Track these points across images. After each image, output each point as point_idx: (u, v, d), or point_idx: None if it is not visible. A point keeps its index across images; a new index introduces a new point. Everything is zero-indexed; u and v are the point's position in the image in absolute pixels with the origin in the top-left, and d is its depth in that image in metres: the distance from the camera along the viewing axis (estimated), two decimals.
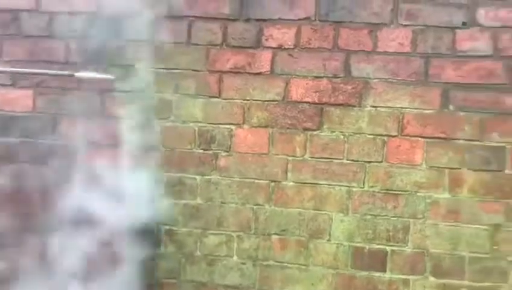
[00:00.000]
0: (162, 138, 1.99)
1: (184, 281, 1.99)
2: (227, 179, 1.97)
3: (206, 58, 1.98)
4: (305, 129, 1.94)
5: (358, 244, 1.90)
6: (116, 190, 1.92)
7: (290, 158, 1.94)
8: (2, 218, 1.98)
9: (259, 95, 1.95)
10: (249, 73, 1.96)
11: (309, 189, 1.93)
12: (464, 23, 1.85)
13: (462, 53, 1.85)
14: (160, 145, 1.99)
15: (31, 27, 2.06)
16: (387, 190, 1.90)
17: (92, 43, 1.99)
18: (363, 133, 1.91)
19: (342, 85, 1.92)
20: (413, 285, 1.87)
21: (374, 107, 1.90)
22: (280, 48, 1.94)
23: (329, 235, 1.92)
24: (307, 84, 1.93)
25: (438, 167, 1.87)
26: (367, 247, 1.90)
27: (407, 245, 1.88)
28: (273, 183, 1.95)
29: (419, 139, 1.88)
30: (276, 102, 1.95)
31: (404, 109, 1.89)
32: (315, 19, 1.92)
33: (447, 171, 1.87)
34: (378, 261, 1.89)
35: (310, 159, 1.93)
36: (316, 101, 1.93)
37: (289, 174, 1.94)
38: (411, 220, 1.88)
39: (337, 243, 1.91)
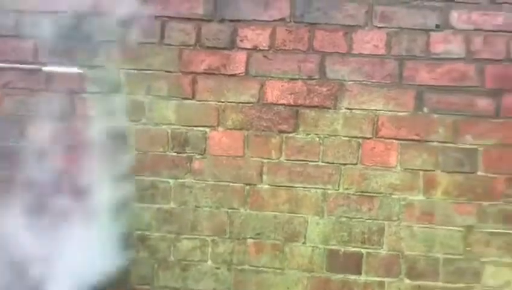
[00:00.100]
0: (134, 141, 1.94)
1: (157, 287, 1.95)
2: (201, 183, 1.93)
3: (180, 59, 1.94)
4: (281, 131, 1.92)
5: (333, 247, 1.90)
6: (85, 195, 1.86)
7: (265, 161, 1.92)
8: None
9: (234, 96, 1.92)
10: (223, 74, 1.93)
11: (284, 192, 1.91)
12: (437, 26, 1.86)
13: (436, 55, 1.86)
14: (132, 148, 1.94)
15: None
16: (362, 192, 1.90)
17: (61, 44, 1.93)
18: (338, 135, 1.90)
19: (317, 87, 1.91)
20: (389, 287, 1.87)
21: (349, 109, 1.90)
22: (255, 49, 1.92)
23: (305, 238, 1.90)
24: (282, 86, 1.91)
25: (412, 169, 1.88)
26: (342, 250, 1.89)
27: (382, 247, 1.88)
28: (248, 187, 1.92)
29: (394, 141, 1.89)
30: (251, 104, 1.92)
31: (378, 111, 1.89)
32: (290, 21, 1.90)
33: (421, 173, 1.88)
34: (354, 263, 1.89)
35: (285, 161, 1.92)
36: (291, 103, 1.91)
37: (264, 177, 1.92)
38: (386, 222, 1.89)
39: (313, 246, 1.90)
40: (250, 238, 1.92)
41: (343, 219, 1.90)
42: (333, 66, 1.90)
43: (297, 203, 1.91)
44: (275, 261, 1.91)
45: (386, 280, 1.87)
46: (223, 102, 1.93)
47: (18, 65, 1.97)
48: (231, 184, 1.92)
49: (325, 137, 1.91)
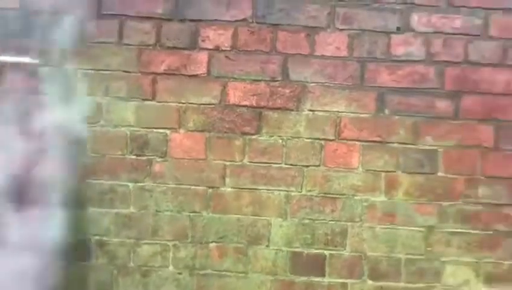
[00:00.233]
0: (92, 144, 1.88)
1: None
2: (162, 186, 1.88)
3: (139, 59, 1.89)
4: (244, 133, 1.89)
5: (296, 250, 1.88)
6: (38, 199, 1.79)
7: (228, 163, 1.89)
8: None
9: (196, 98, 1.88)
10: (184, 75, 1.88)
11: (248, 194, 1.89)
12: (398, 28, 1.88)
13: (397, 58, 1.88)
14: (89, 151, 1.87)
15: None
16: (325, 193, 1.89)
17: (14, 43, 1.85)
18: (301, 137, 1.89)
19: (280, 89, 1.89)
20: (352, 289, 1.87)
21: (311, 111, 1.89)
22: (217, 49, 1.88)
23: (268, 241, 1.88)
24: (244, 87, 1.89)
25: (374, 171, 1.89)
26: (305, 252, 1.88)
27: (345, 249, 1.88)
28: (210, 190, 1.89)
29: (356, 142, 1.89)
30: (213, 105, 1.89)
31: (341, 113, 1.89)
32: (252, 21, 1.88)
33: (382, 174, 1.89)
34: (317, 265, 1.88)
35: (248, 164, 1.89)
36: (254, 104, 1.89)
37: (227, 180, 1.89)
38: (349, 223, 1.89)
39: (276, 249, 1.88)
40: (213, 242, 1.88)
41: (306, 221, 1.89)
42: (296, 67, 1.89)
43: (261, 206, 1.89)
44: (238, 264, 1.88)
45: (349, 281, 1.88)
46: (184, 103, 1.88)
47: None
48: (193, 187, 1.88)
49: (288, 139, 1.89)
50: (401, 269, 1.87)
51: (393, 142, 1.89)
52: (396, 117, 1.88)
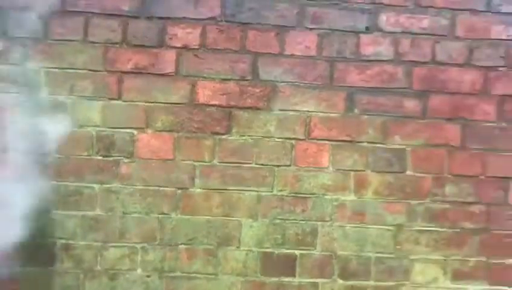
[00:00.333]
0: (56, 144, 1.82)
1: None
2: (129, 188, 1.84)
3: (105, 57, 1.84)
4: (213, 133, 1.86)
5: (267, 250, 1.87)
6: (2, 203, 1.72)
7: (198, 164, 1.86)
8: None
9: (164, 97, 1.85)
10: (151, 74, 1.84)
11: (218, 195, 1.87)
12: (367, 28, 1.89)
13: (366, 57, 1.89)
14: (54, 152, 1.81)
15: None
16: (295, 193, 1.88)
17: None
18: (271, 137, 1.88)
19: (250, 88, 1.88)
20: (322, 288, 1.87)
21: (282, 110, 1.88)
22: (185, 48, 1.85)
23: (239, 242, 1.87)
24: (214, 86, 1.86)
25: (344, 170, 1.89)
26: (276, 252, 1.87)
27: (315, 248, 1.88)
28: (179, 191, 1.85)
29: (326, 142, 1.89)
30: (182, 105, 1.86)
31: (310, 113, 1.88)
32: (221, 20, 1.86)
33: (352, 173, 1.89)
34: (288, 266, 1.87)
35: (218, 164, 1.87)
36: (224, 104, 1.87)
37: (197, 181, 1.86)
38: (319, 223, 1.89)
39: (247, 250, 1.87)
40: (182, 244, 1.85)
41: (277, 221, 1.88)
42: (266, 66, 1.87)
43: (231, 207, 1.87)
44: (208, 266, 1.86)
45: (320, 280, 1.88)
46: (151, 103, 1.85)
47: None
48: (161, 188, 1.85)
49: (259, 139, 1.88)
50: (370, 268, 1.88)
51: (362, 142, 1.89)
52: (366, 116, 1.89)
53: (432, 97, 1.89)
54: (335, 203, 1.89)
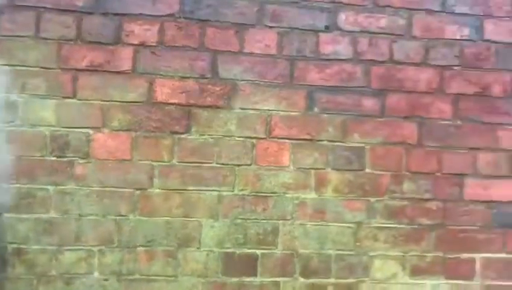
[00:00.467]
0: (7, 145, 1.74)
1: None
2: (85, 189, 1.78)
3: (58, 54, 1.77)
4: (172, 132, 1.83)
5: (228, 250, 1.85)
6: None
7: (156, 164, 1.82)
8: None
9: (120, 95, 1.80)
10: (107, 71, 1.79)
11: (177, 196, 1.83)
12: (326, 27, 1.89)
13: (325, 56, 1.90)
14: (5, 152, 1.74)
15: None
16: (256, 192, 1.87)
17: None
18: (232, 136, 1.86)
19: (209, 86, 1.85)
20: (284, 287, 1.87)
21: (242, 109, 1.87)
22: (142, 45, 1.81)
23: (199, 242, 1.84)
24: (172, 84, 1.83)
25: (305, 168, 1.89)
26: (237, 252, 1.86)
27: (277, 247, 1.88)
28: (138, 192, 1.81)
29: (286, 141, 1.89)
30: (140, 103, 1.81)
31: (271, 111, 1.88)
32: (179, 16, 1.83)
33: (312, 171, 1.90)
34: (249, 265, 1.86)
35: (177, 164, 1.83)
36: (183, 102, 1.84)
37: (155, 181, 1.82)
38: (280, 221, 1.88)
39: (208, 250, 1.84)
40: (141, 246, 1.81)
41: (238, 221, 1.86)
42: (225, 64, 1.86)
43: (191, 207, 1.84)
44: (167, 268, 1.82)
45: (281, 279, 1.87)
46: (107, 101, 1.79)
47: None
48: (119, 190, 1.80)
49: (219, 138, 1.86)
50: (331, 265, 1.89)
51: (322, 140, 1.90)
52: (325, 115, 1.90)
53: (389, 96, 1.92)
54: (296, 201, 1.89)
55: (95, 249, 1.79)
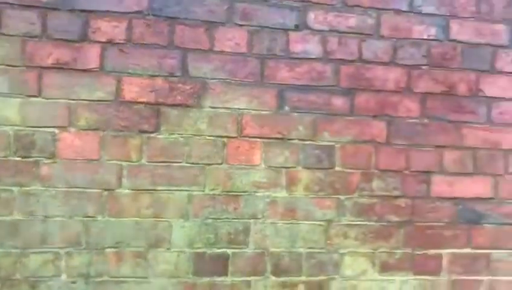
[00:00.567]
0: None
1: None
2: (51, 190, 1.74)
3: (23, 51, 1.72)
4: (141, 131, 1.80)
5: (199, 250, 1.84)
6: None
7: (125, 163, 1.79)
8: None
9: (87, 94, 1.76)
10: (74, 69, 1.75)
11: (147, 196, 1.81)
12: (296, 26, 1.90)
13: (295, 55, 1.90)
14: None
15: None
16: (227, 191, 1.87)
17: None
18: (202, 135, 1.85)
19: (179, 85, 1.83)
20: (255, 286, 1.87)
21: (212, 108, 1.85)
22: (110, 42, 1.77)
23: (170, 243, 1.82)
24: (141, 83, 1.80)
25: (276, 167, 1.90)
26: (208, 252, 1.84)
27: (248, 247, 1.87)
28: (106, 192, 1.78)
29: (258, 139, 1.89)
30: (108, 102, 1.78)
31: (242, 110, 1.87)
32: (148, 13, 1.80)
33: (283, 170, 1.90)
34: (220, 265, 1.85)
35: (147, 163, 1.81)
36: (152, 101, 1.81)
37: (124, 181, 1.79)
38: (251, 220, 1.88)
39: (178, 251, 1.82)
40: (110, 247, 1.78)
41: (209, 221, 1.85)
42: (195, 63, 1.84)
43: (161, 207, 1.82)
44: (137, 270, 1.79)
45: (253, 278, 1.87)
46: (74, 100, 1.75)
47: None
48: (86, 190, 1.76)
49: (189, 137, 1.84)
50: (302, 263, 1.90)
51: (293, 139, 1.91)
52: (296, 114, 1.90)
53: (358, 95, 1.94)
54: (267, 200, 1.89)
55: (62, 251, 1.75)
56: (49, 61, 1.74)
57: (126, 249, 1.79)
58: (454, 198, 2.01)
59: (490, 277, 2.03)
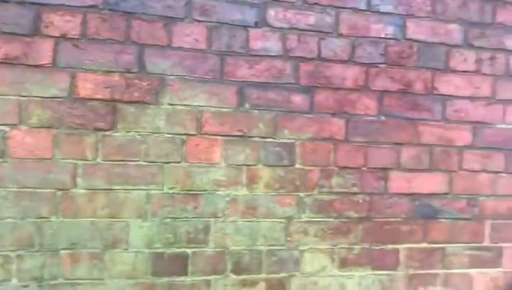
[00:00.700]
0: None
1: None
2: (1, 190, 1.66)
3: None
4: (96, 129, 1.75)
5: (158, 250, 1.80)
6: None
7: (80, 162, 1.73)
8: None
9: (40, 90, 1.69)
10: (25, 65, 1.68)
11: (103, 195, 1.76)
12: (256, 23, 1.89)
13: (255, 52, 1.89)
14: None
15: None
16: (187, 190, 1.84)
17: None
18: (161, 132, 1.81)
19: (136, 81, 1.79)
20: (215, 285, 1.85)
21: (171, 105, 1.82)
22: (63, 37, 1.71)
23: (127, 243, 1.78)
24: (96, 79, 1.75)
25: (236, 165, 1.88)
26: (167, 252, 1.81)
27: (208, 245, 1.85)
28: (60, 192, 1.72)
29: (218, 137, 1.87)
30: (61, 99, 1.72)
31: (202, 107, 1.85)
32: (104, 8, 1.74)
33: (244, 168, 1.89)
34: (180, 265, 1.83)
35: (102, 162, 1.76)
36: (108, 98, 1.76)
37: (79, 181, 1.73)
38: (212, 219, 1.86)
39: (136, 251, 1.78)
40: (64, 249, 1.72)
41: (168, 220, 1.82)
42: (153, 58, 1.80)
43: (118, 207, 1.77)
44: (93, 271, 1.74)
45: (212, 277, 1.85)
46: (25, 96, 1.68)
47: None
48: (39, 190, 1.70)
49: (147, 135, 1.80)
50: (262, 261, 1.90)
51: (254, 136, 1.90)
52: (256, 111, 1.89)
53: (317, 92, 1.95)
54: (227, 198, 1.87)
55: (13, 254, 1.68)
56: None
57: (81, 251, 1.73)
58: (411, 194, 2.05)
59: (445, 270, 2.09)
